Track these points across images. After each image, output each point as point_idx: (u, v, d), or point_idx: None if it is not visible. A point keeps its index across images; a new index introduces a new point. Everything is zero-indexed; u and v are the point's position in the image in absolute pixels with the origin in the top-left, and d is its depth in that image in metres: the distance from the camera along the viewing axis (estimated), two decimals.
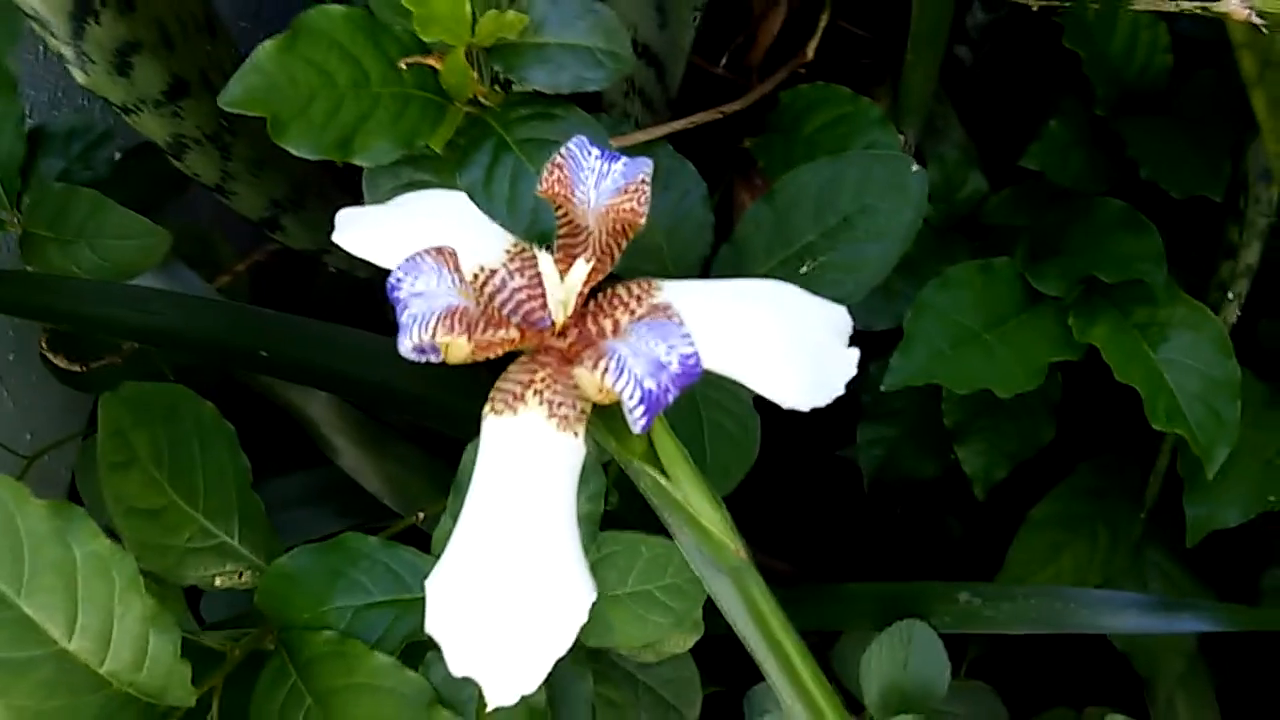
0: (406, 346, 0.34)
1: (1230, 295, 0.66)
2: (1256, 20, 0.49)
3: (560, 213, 0.39)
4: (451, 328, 0.33)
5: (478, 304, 0.35)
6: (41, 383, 0.74)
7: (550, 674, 0.52)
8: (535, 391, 0.37)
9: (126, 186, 0.62)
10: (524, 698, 0.51)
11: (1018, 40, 0.81)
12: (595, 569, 0.54)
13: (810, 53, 0.74)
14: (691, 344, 0.33)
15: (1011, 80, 0.82)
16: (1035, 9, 0.65)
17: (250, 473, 0.56)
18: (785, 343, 0.39)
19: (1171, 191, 0.63)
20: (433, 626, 0.37)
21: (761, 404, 0.60)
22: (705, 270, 0.59)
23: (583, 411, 0.37)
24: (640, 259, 0.60)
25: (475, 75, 0.47)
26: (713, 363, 0.37)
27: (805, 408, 0.38)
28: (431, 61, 0.47)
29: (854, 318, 0.69)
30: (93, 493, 0.70)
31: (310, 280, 0.87)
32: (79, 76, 0.53)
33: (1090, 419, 0.76)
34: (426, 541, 0.54)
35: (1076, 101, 0.69)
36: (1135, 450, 0.75)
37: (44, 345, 0.67)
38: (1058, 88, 0.72)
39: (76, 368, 0.67)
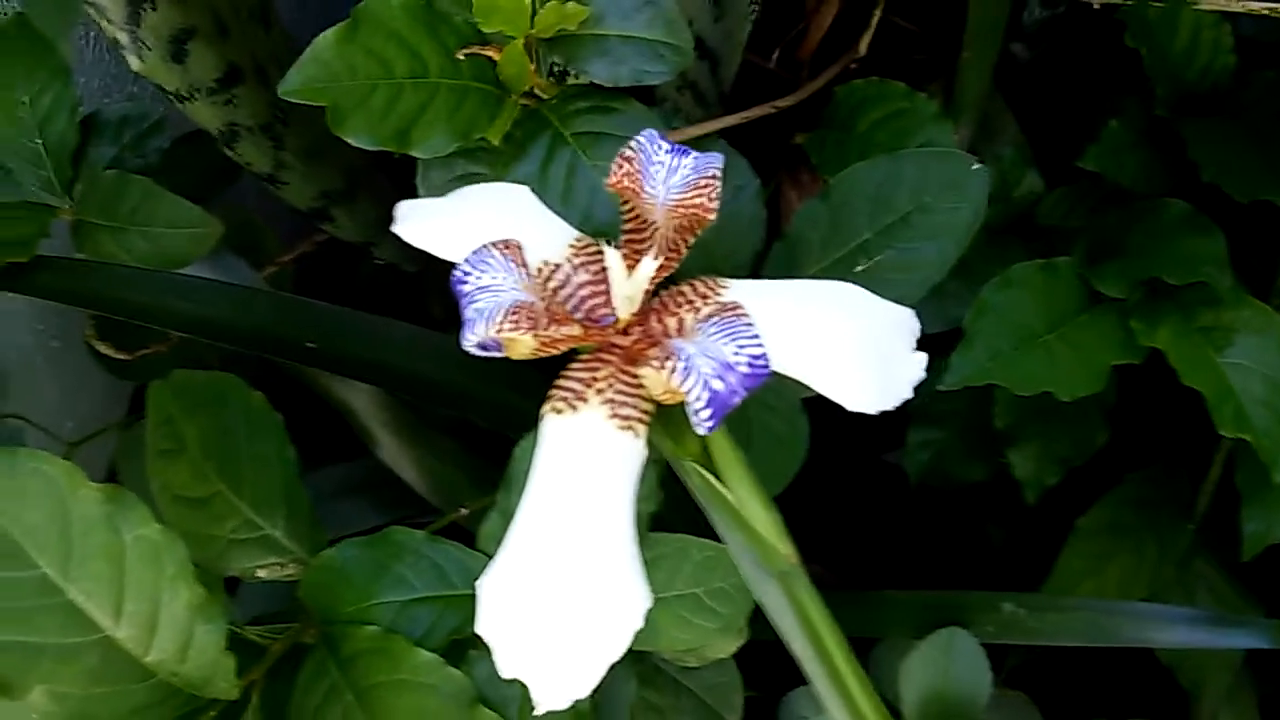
0: (471, 341, 0.33)
1: None
2: None
3: (627, 207, 0.38)
4: (518, 323, 0.33)
5: (542, 299, 0.34)
6: (83, 370, 0.74)
7: None
8: (597, 390, 0.37)
9: (177, 175, 0.62)
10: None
11: (1074, 38, 0.79)
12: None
13: (863, 48, 0.73)
14: (760, 345, 0.32)
15: (1067, 79, 0.81)
16: (1097, 6, 0.64)
17: (297, 464, 0.55)
18: (853, 345, 0.38)
19: (1234, 195, 0.62)
20: (483, 627, 0.36)
21: (806, 405, 0.60)
22: (757, 268, 0.59)
23: (645, 412, 0.37)
24: (690, 255, 0.59)
25: (533, 67, 0.47)
26: (779, 364, 0.36)
27: (873, 410, 0.37)
28: (490, 53, 0.46)
29: None
30: (133, 481, 0.70)
31: (354, 272, 0.86)
32: (134, 63, 0.53)
33: (1138, 426, 0.75)
34: (469, 538, 0.54)
35: (1137, 101, 0.68)
36: (1184, 460, 0.74)
37: (91, 332, 0.67)
38: (1115, 87, 0.71)
39: (123, 356, 0.67)
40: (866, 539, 0.92)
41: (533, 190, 0.47)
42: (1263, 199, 0.62)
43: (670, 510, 0.56)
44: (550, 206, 0.47)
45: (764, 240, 0.59)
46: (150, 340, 0.67)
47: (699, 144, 0.60)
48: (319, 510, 0.58)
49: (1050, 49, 0.80)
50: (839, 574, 0.87)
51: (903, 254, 0.55)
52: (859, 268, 0.55)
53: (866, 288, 0.56)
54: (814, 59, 0.78)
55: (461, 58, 0.46)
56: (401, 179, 0.50)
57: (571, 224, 0.47)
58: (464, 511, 0.63)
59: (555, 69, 0.48)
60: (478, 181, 0.49)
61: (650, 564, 0.52)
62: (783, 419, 0.59)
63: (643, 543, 0.52)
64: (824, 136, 0.70)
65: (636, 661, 0.56)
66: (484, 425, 0.65)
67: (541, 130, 0.47)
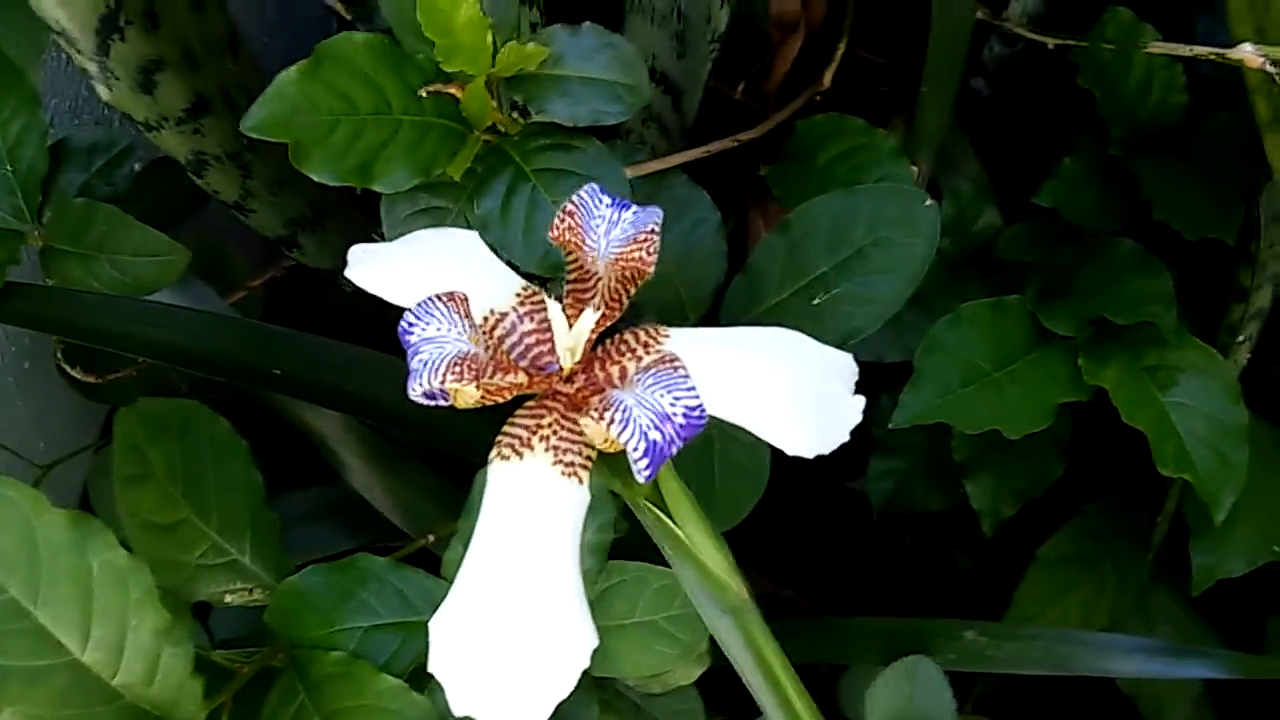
0: (416, 391, 0.34)
1: (1240, 338, 0.65)
2: (1270, 69, 0.50)
3: (571, 259, 0.39)
4: (461, 375, 0.34)
5: (487, 349, 0.35)
6: (56, 393, 0.74)
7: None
8: (541, 438, 0.38)
9: (145, 201, 0.62)
10: None
11: (1035, 74, 0.81)
12: (603, 598, 0.54)
13: (827, 81, 0.74)
14: (696, 396, 0.33)
15: (1028, 114, 0.82)
16: (1051, 47, 0.65)
17: (264, 489, 0.56)
18: (790, 391, 0.39)
19: (1184, 233, 0.63)
20: (435, 667, 0.37)
21: None
22: (718, 299, 0.60)
23: (588, 458, 0.38)
24: (653, 288, 0.60)
25: (494, 104, 0.48)
26: (718, 410, 0.37)
27: (810, 455, 0.38)
28: (452, 90, 0.47)
29: (865, 349, 0.69)
30: (105, 504, 0.70)
31: (323, 299, 0.87)
32: (103, 92, 0.54)
33: (1101, 457, 0.76)
34: (436, 563, 0.55)
35: (1093, 139, 0.70)
36: (1143, 492, 0.75)
37: (59, 357, 0.67)
38: (1074, 124, 0.72)
39: (91, 379, 0.67)
40: (834, 565, 0.92)
41: (494, 226, 0.48)
42: (1212, 237, 0.63)
43: (636, 538, 0.57)
44: (511, 242, 0.48)
45: (725, 272, 0.60)
46: (120, 364, 0.67)
47: (661, 177, 0.61)
48: (289, 535, 0.58)
49: (1011, 85, 0.81)
50: (808, 599, 0.88)
51: (859, 287, 0.56)
52: (816, 300, 0.56)
53: (824, 320, 0.57)
54: (780, 91, 0.80)
55: (424, 95, 0.47)
56: (370, 208, 0.51)
57: (532, 259, 0.48)
58: (431, 538, 0.63)
59: (518, 105, 0.49)
60: (441, 215, 0.50)
61: (610, 592, 0.54)
62: (745, 449, 0.60)
63: (602, 570, 0.53)
64: (785, 169, 0.71)
65: (599, 688, 0.56)
66: (449, 452, 0.66)
67: (503, 166, 0.48)
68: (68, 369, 0.67)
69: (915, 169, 0.71)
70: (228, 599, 0.55)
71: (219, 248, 0.77)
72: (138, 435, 0.54)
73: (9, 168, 0.59)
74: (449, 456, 0.69)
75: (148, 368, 0.68)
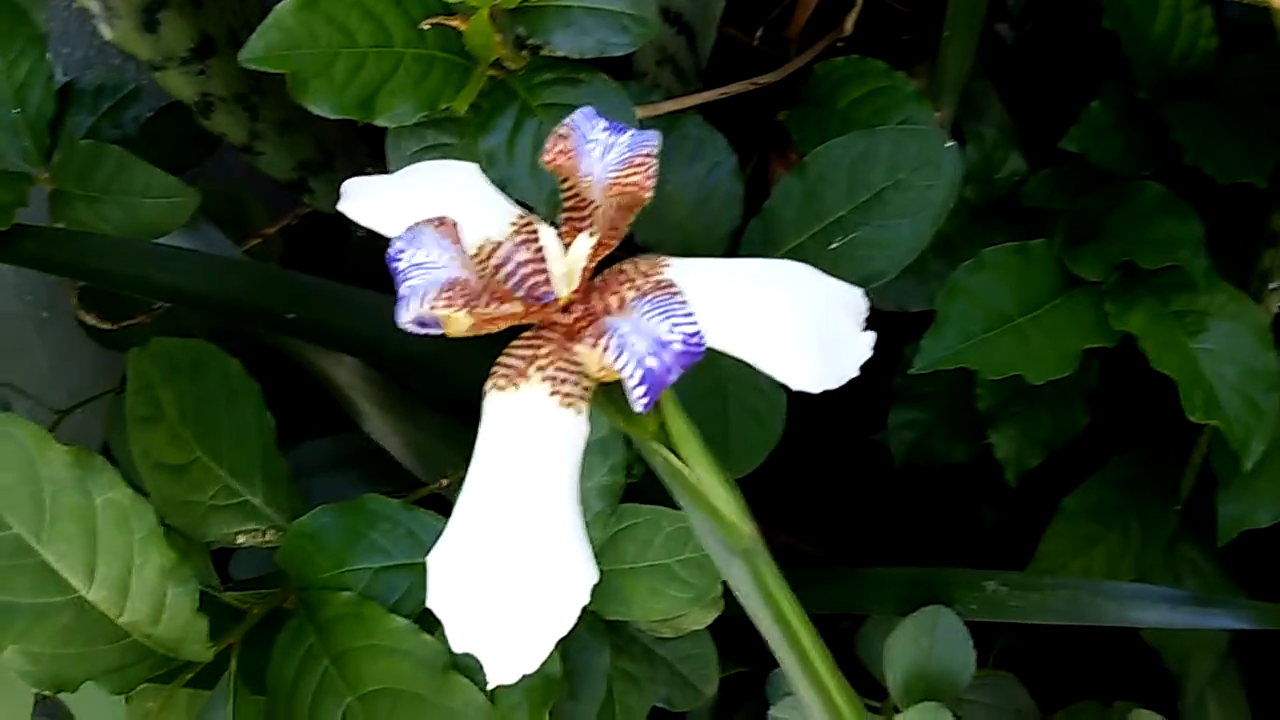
0: (405, 319, 0.33)
1: (1273, 285, 0.64)
2: None
3: (565, 185, 0.38)
4: (452, 300, 0.33)
5: (480, 277, 0.34)
6: (74, 341, 0.74)
7: (568, 645, 0.51)
8: (538, 367, 0.36)
9: (155, 145, 0.62)
10: (541, 667, 0.51)
11: (1060, 18, 0.79)
12: (614, 541, 0.54)
13: (849, 27, 0.73)
14: (694, 322, 0.32)
15: (1053, 59, 0.80)
16: None
17: (275, 430, 0.56)
18: (794, 324, 0.38)
19: (1215, 177, 0.62)
20: (434, 602, 0.36)
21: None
22: (734, 243, 0.59)
23: (586, 388, 0.37)
24: (668, 231, 0.60)
25: (499, 38, 0.47)
26: (719, 341, 0.36)
27: (815, 389, 0.37)
28: (455, 23, 0.46)
29: (888, 298, 0.68)
30: (123, 450, 0.71)
31: (340, 246, 0.87)
32: (105, 31, 0.54)
33: (1128, 408, 0.75)
34: (448, 508, 0.54)
35: (1119, 83, 0.68)
36: (1171, 443, 0.74)
37: (76, 303, 0.67)
38: (1100, 68, 0.70)
39: (107, 325, 0.67)
40: (860, 518, 0.92)
41: (501, 161, 0.47)
42: (1244, 181, 0.61)
43: (651, 481, 0.56)
44: (518, 177, 0.47)
45: (742, 217, 0.59)
46: (136, 311, 0.67)
47: (675, 119, 0.60)
48: (307, 483, 0.58)
49: (1036, 29, 0.80)
50: (832, 552, 0.87)
51: (878, 230, 0.55)
52: (834, 244, 0.55)
53: (842, 264, 0.56)
54: (802, 37, 0.78)
55: (426, 28, 0.46)
56: (379, 150, 0.50)
57: (539, 195, 0.47)
58: (444, 482, 0.63)
59: (523, 40, 0.48)
60: (447, 151, 0.49)
61: (622, 535, 0.53)
62: (761, 395, 0.59)
63: (613, 514, 0.53)
64: (805, 114, 0.69)
65: (611, 632, 0.56)
66: (463, 397, 0.66)
67: (509, 101, 0.47)
68: (83, 315, 0.67)
69: (939, 115, 0.69)
70: (239, 540, 0.55)
71: (235, 196, 0.76)
72: (150, 375, 0.54)
73: (16, 109, 0.59)
74: (463, 403, 0.68)
75: (164, 315, 0.68)
